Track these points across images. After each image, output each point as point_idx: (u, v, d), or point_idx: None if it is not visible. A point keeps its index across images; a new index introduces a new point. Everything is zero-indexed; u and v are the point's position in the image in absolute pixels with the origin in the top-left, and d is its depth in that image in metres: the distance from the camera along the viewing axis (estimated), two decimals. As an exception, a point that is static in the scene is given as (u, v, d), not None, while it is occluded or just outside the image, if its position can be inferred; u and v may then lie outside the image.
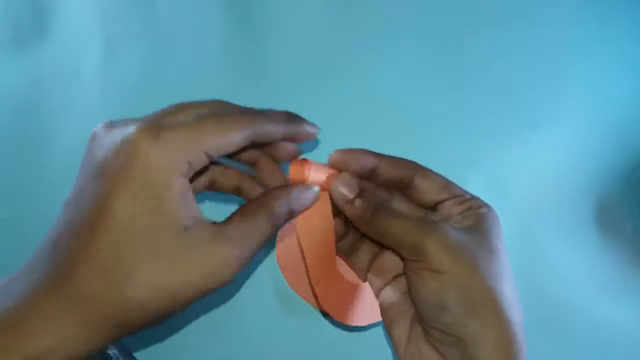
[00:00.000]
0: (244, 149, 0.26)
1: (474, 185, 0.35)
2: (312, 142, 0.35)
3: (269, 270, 0.35)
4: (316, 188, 0.27)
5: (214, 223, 0.23)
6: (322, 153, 0.36)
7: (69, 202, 0.23)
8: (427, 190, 0.27)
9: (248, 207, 0.25)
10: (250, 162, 0.28)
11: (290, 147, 0.27)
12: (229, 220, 0.24)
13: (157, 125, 0.22)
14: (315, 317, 0.34)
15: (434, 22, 0.37)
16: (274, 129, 0.25)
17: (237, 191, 0.29)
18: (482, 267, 0.24)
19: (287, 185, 0.26)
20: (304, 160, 0.27)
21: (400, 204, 0.29)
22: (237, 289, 0.35)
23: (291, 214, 0.25)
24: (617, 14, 0.36)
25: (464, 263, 0.23)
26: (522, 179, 0.35)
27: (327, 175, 0.27)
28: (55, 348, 0.20)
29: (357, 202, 0.26)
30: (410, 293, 0.25)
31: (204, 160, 0.23)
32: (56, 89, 0.37)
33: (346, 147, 0.35)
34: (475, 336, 0.23)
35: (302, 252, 0.27)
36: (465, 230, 0.25)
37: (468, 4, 0.37)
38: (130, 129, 0.22)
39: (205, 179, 0.29)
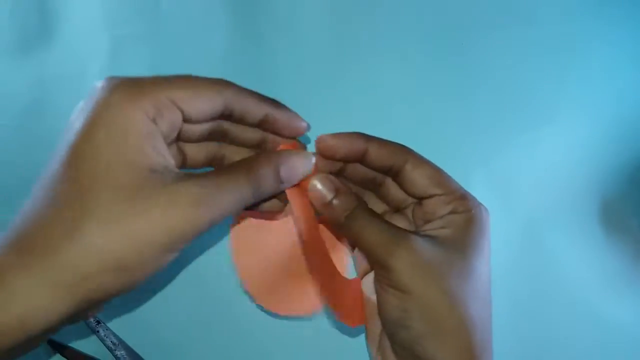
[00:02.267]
0: (225, 118, 0.25)
1: (478, 185, 0.35)
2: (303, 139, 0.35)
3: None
4: (312, 157, 0.25)
5: (187, 173, 0.22)
6: None
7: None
8: (416, 181, 0.26)
9: (230, 164, 0.24)
10: (254, 144, 0.27)
11: (296, 123, 0.26)
12: (205, 173, 0.22)
13: (125, 77, 0.22)
14: (317, 318, 0.34)
15: (438, 24, 0.37)
16: (252, 103, 0.24)
17: (218, 160, 0.28)
18: (451, 286, 0.23)
19: (278, 151, 0.25)
20: (295, 142, 0.26)
21: (375, 205, 0.28)
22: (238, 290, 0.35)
23: (277, 182, 0.24)
24: (621, 13, 0.36)
25: (430, 283, 0.23)
26: (527, 177, 0.35)
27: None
28: (20, 321, 0.19)
29: (335, 203, 0.25)
30: (377, 303, 0.25)
31: (175, 112, 0.22)
32: (62, 91, 0.38)
33: None
34: (434, 358, 0.22)
35: (300, 235, 0.26)
36: (440, 242, 0.24)
37: (472, 5, 0.37)
38: (100, 81, 0.22)
39: (206, 153, 0.27)
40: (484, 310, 0.24)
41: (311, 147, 0.28)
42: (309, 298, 0.30)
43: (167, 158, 0.22)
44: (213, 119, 0.25)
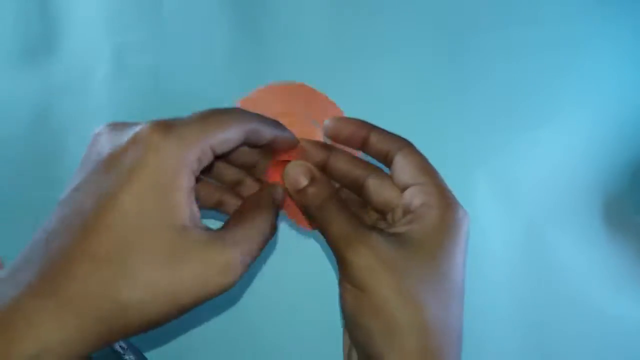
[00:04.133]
0: (236, 148, 0.25)
1: (479, 184, 0.35)
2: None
3: (274, 271, 0.35)
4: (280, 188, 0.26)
5: (216, 232, 0.22)
6: None
7: (65, 199, 0.21)
8: (402, 170, 0.25)
9: (244, 208, 0.24)
10: (245, 165, 0.28)
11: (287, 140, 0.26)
12: (226, 224, 0.23)
13: (165, 122, 0.21)
14: (320, 318, 0.34)
15: (438, 24, 0.37)
16: (266, 129, 0.24)
17: (218, 205, 0.28)
18: (408, 287, 0.22)
19: (277, 184, 0.26)
20: (283, 161, 0.27)
21: (349, 196, 0.28)
22: (243, 291, 0.35)
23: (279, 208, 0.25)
24: (622, 12, 0.36)
25: (385, 282, 0.22)
26: (528, 176, 0.35)
27: None
28: (40, 355, 0.19)
29: (309, 190, 0.25)
30: (339, 298, 0.24)
31: (210, 156, 0.22)
32: (66, 99, 0.38)
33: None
34: (384, 359, 0.22)
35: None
36: (405, 239, 0.23)
37: (472, 4, 0.37)
38: (140, 127, 0.21)
39: (214, 198, 0.28)
40: (448, 316, 0.23)
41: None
42: None
43: (196, 212, 0.22)
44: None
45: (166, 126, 0.21)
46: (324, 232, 0.24)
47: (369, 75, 0.37)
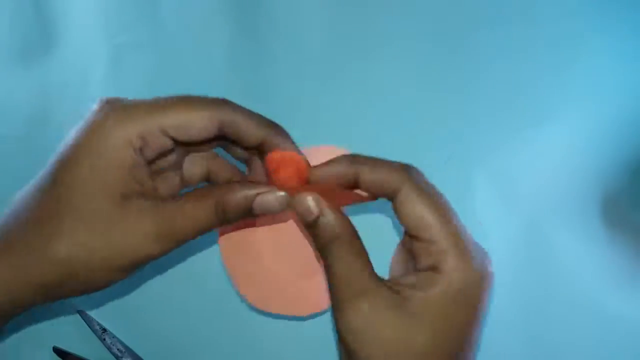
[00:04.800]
0: (218, 140, 0.25)
1: (479, 183, 0.35)
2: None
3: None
4: (281, 194, 0.23)
5: (162, 199, 0.24)
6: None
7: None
8: (406, 216, 0.22)
9: (202, 189, 0.24)
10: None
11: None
12: (176, 197, 0.24)
13: (115, 100, 0.24)
14: (324, 318, 0.34)
15: (438, 21, 0.37)
16: (246, 125, 0.24)
17: (208, 177, 0.28)
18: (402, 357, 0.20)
19: (251, 183, 0.24)
20: (296, 157, 0.24)
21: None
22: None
23: (246, 213, 0.23)
24: (622, 9, 0.36)
25: (369, 348, 0.21)
26: (528, 175, 0.35)
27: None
28: None
29: (321, 221, 0.22)
30: None
31: (164, 140, 0.23)
32: (64, 100, 0.38)
33: (353, 149, 0.35)
34: None
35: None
36: (408, 305, 0.21)
37: (469, 3, 0.37)
38: (96, 104, 0.24)
39: (201, 169, 0.28)
40: None
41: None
42: (305, 298, 0.30)
43: (145, 186, 0.24)
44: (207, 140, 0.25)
45: (113, 105, 0.23)
46: (328, 269, 0.22)
47: (367, 74, 0.37)
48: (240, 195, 0.23)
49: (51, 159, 0.24)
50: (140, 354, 0.34)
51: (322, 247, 0.22)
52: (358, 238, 0.23)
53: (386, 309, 0.21)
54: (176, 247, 0.24)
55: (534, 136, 0.35)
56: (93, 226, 0.22)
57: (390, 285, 0.22)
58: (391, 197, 0.23)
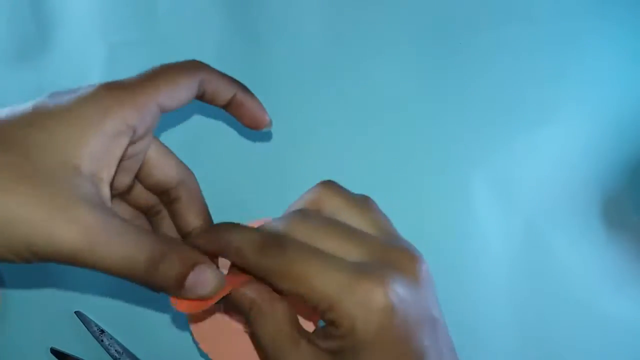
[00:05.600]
0: (197, 98, 0.26)
1: (478, 184, 0.35)
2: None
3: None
4: (223, 278, 0.22)
5: (110, 208, 0.21)
6: (331, 159, 0.36)
7: None
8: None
9: (145, 234, 0.21)
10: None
11: (259, 112, 0.27)
12: (114, 218, 0.21)
13: (115, 82, 0.23)
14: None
15: (436, 22, 0.37)
16: (223, 84, 0.25)
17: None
18: None
19: (193, 255, 0.22)
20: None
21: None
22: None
23: (178, 285, 0.21)
24: (622, 9, 0.36)
25: None
26: (527, 176, 0.35)
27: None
28: None
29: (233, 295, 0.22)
30: None
31: (156, 111, 0.23)
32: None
33: (350, 149, 0.35)
34: None
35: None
36: (321, 355, 0.21)
37: (468, 3, 0.37)
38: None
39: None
40: None
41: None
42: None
43: (107, 165, 0.21)
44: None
45: (111, 84, 0.22)
46: (252, 339, 0.23)
47: (364, 73, 0.36)
48: (180, 265, 0.21)
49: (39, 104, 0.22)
50: (138, 355, 0.34)
51: (245, 319, 0.23)
52: (274, 303, 0.22)
53: None
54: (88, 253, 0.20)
55: (533, 137, 0.35)
56: (27, 196, 0.19)
57: (310, 340, 0.22)
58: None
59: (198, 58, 0.37)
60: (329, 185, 0.24)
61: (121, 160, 0.22)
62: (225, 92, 0.26)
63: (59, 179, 0.20)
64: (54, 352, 0.33)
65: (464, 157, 0.35)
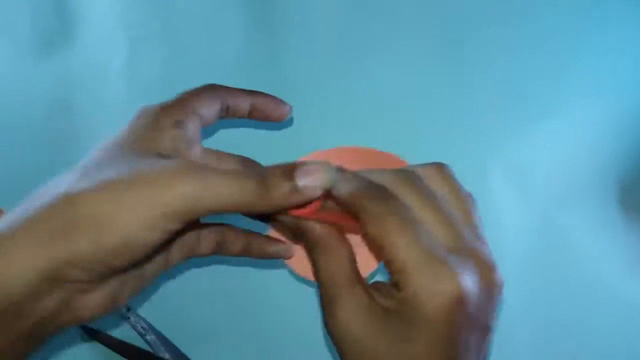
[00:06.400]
0: (221, 117, 0.28)
1: (495, 171, 0.35)
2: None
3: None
4: (334, 169, 0.22)
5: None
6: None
7: None
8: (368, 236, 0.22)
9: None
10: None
11: (280, 106, 0.28)
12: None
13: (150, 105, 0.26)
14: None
15: (452, 13, 0.36)
16: (240, 96, 0.27)
17: (247, 252, 0.28)
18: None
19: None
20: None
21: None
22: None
23: (293, 191, 0.21)
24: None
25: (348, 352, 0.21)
26: (544, 163, 0.35)
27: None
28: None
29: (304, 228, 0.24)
30: None
31: (196, 117, 0.25)
32: (84, 91, 0.39)
33: (368, 141, 0.35)
34: None
35: None
36: (386, 312, 0.21)
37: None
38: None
39: (212, 243, 0.28)
40: None
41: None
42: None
43: (182, 150, 0.24)
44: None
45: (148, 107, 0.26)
46: (312, 268, 0.24)
47: (379, 68, 0.36)
48: (286, 169, 0.21)
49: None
50: (163, 331, 0.36)
51: (308, 254, 0.24)
52: (340, 244, 0.23)
53: (355, 310, 0.21)
54: (205, 214, 0.21)
55: (549, 124, 0.35)
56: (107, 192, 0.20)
57: (366, 288, 0.22)
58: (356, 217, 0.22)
59: (216, 51, 0.38)
60: (442, 167, 0.24)
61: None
62: (243, 102, 0.28)
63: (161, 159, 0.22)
64: (85, 328, 0.35)
65: (480, 146, 0.35)
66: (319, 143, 0.36)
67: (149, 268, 0.25)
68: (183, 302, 0.36)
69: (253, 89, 0.28)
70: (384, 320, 0.21)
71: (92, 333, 0.35)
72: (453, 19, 0.36)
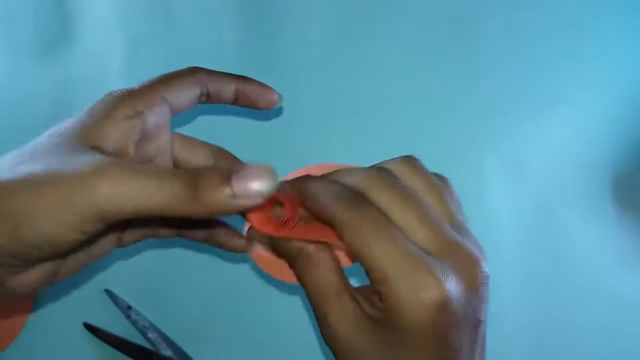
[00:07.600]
0: (203, 102, 0.27)
1: (490, 166, 0.35)
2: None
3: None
4: (277, 176, 0.20)
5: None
6: (345, 146, 0.36)
7: None
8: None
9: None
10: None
11: (267, 93, 0.27)
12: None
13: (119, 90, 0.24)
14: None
15: (448, 7, 0.37)
16: (223, 80, 0.26)
17: (208, 239, 0.28)
18: None
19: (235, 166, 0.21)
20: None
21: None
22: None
23: (229, 198, 0.19)
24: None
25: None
26: (540, 157, 0.35)
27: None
28: None
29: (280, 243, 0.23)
30: None
31: (164, 106, 0.24)
32: (84, 91, 0.39)
33: (366, 135, 0.35)
34: None
35: None
36: (375, 320, 0.21)
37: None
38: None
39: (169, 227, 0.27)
40: None
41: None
42: None
43: (128, 144, 0.23)
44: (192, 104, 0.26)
45: (117, 91, 0.24)
46: (301, 284, 0.23)
47: (377, 63, 0.37)
48: (222, 171, 0.20)
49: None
50: (162, 329, 0.36)
51: (291, 268, 0.23)
52: (321, 252, 0.22)
53: (346, 321, 0.21)
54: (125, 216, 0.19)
55: (545, 118, 0.35)
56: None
57: (353, 296, 0.22)
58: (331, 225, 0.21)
59: (215, 49, 0.39)
60: (411, 160, 0.23)
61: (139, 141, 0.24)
62: (227, 87, 0.26)
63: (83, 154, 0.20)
64: (87, 326, 0.35)
65: (476, 139, 0.35)
66: (318, 143, 0.36)
67: (94, 248, 0.24)
68: (184, 300, 0.36)
69: (236, 74, 0.27)
70: (372, 329, 0.21)
71: (93, 331, 0.35)
72: (448, 15, 0.37)
